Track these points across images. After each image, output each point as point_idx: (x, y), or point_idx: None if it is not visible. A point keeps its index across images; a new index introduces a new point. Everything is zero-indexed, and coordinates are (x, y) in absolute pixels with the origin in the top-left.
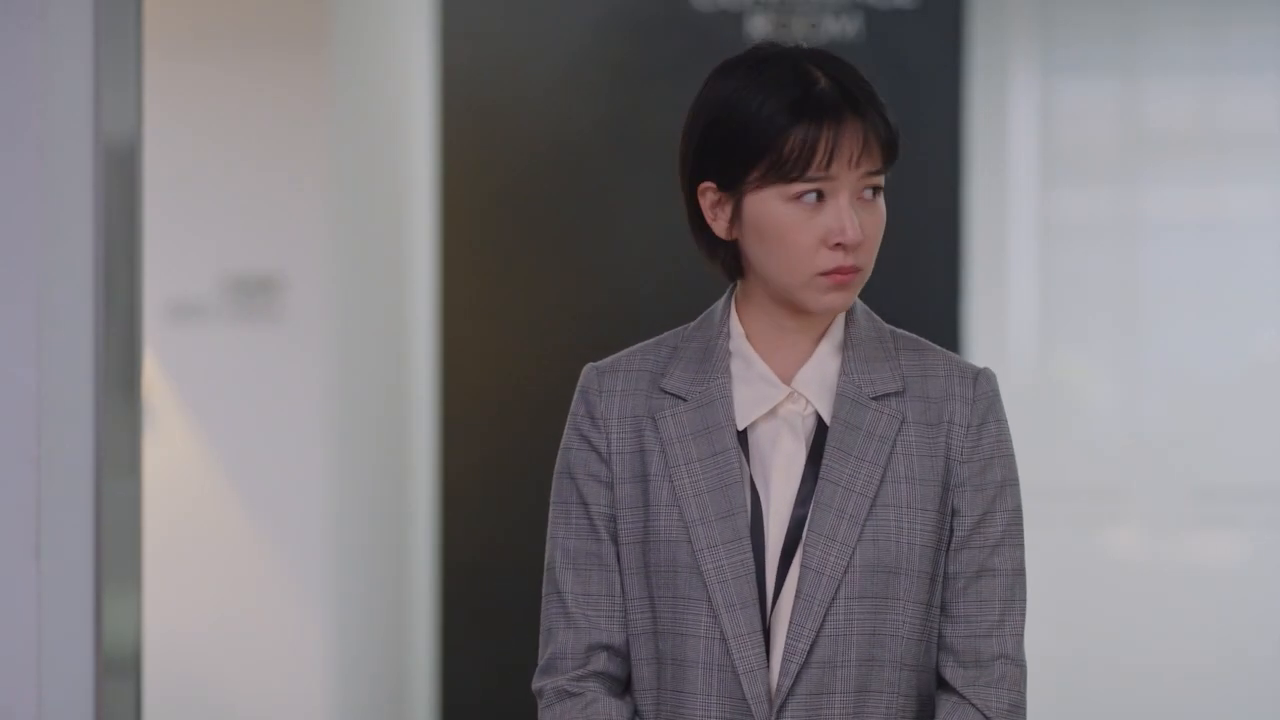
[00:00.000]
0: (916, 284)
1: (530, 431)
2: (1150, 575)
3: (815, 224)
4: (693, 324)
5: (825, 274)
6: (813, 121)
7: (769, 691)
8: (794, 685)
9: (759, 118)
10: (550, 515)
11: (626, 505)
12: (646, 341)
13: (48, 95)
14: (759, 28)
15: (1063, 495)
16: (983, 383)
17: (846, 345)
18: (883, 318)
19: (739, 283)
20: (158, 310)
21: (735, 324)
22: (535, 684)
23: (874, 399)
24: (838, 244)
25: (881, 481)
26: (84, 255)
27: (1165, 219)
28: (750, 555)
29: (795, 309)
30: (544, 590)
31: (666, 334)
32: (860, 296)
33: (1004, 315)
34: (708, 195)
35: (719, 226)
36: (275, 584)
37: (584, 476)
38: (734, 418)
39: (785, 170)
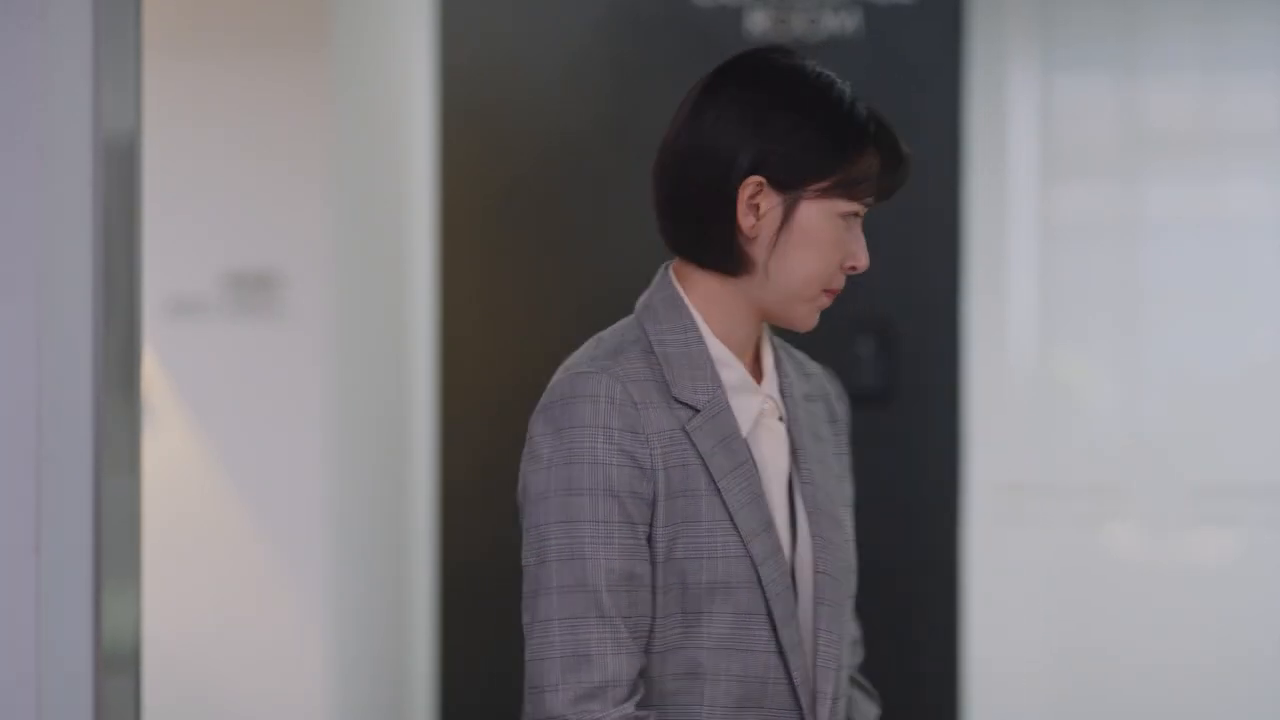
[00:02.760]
0: (916, 282)
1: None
2: (1150, 574)
3: (843, 244)
4: (643, 322)
5: (827, 292)
6: (885, 149)
7: (814, 699)
8: (834, 690)
9: (847, 131)
10: (579, 533)
11: (667, 522)
12: (611, 341)
13: (47, 93)
14: (759, 24)
15: (1062, 494)
16: (837, 380)
17: (772, 349)
18: (883, 315)
19: (683, 277)
20: (157, 307)
21: (703, 324)
22: (573, 710)
23: (805, 399)
24: (850, 267)
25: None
26: (83, 252)
27: (1165, 217)
28: (789, 566)
29: (769, 316)
30: (568, 611)
31: (622, 335)
32: (861, 292)
33: (1003, 313)
34: (751, 188)
35: (749, 221)
36: (274, 580)
37: (628, 494)
38: (738, 426)
39: (851, 188)
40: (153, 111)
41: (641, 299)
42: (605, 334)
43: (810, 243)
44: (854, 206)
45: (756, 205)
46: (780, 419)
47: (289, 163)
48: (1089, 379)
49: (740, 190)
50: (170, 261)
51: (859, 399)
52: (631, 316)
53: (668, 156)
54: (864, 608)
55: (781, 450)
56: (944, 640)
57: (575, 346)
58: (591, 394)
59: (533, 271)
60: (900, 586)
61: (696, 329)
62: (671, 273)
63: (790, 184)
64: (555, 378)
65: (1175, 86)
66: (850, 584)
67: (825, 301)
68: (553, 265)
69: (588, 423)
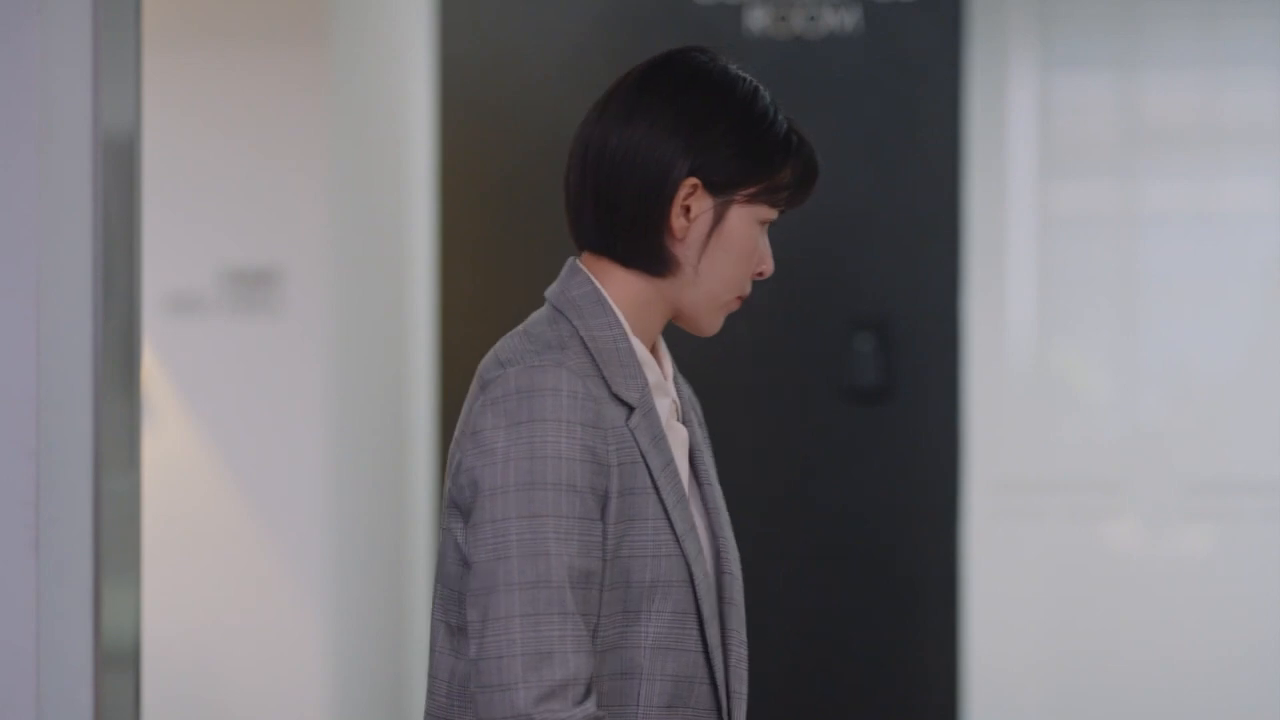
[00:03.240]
0: (916, 276)
1: None
2: (1146, 568)
3: (759, 250)
4: (570, 317)
5: (739, 297)
6: (807, 161)
7: (729, 699)
8: (745, 689)
9: (776, 139)
10: (542, 528)
11: (617, 519)
12: (548, 336)
13: (46, 88)
14: (758, 20)
15: (1060, 488)
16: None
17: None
18: (882, 310)
19: (600, 273)
20: (157, 303)
21: (624, 321)
22: (537, 709)
23: (689, 400)
24: (759, 273)
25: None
26: (83, 248)
27: (1164, 212)
28: (710, 566)
29: (680, 317)
30: (530, 607)
31: (555, 329)
32: (861, 289)
33: (1002, 308)
34: (686, 189)
35: (681, 223)
36: (274, 578)
37: (588, 490)
38: (662, 425)
39: (774, 195)
40: (152, 107)
41: (554, 292)
42: (530, 329)
43: (735, 247)
44: (772, 214)
45: (688, 207)
46: (681, 420)
47: (288, 158)
48: (1088, 374)
49: (677, 190)
50: (169, 258)
51: (858, 396)
52: (546, 310)
53: (597, 156)
54: (864, 604)
55: (684, 451)
56: (944, 636)
57: None
58: (553, 388)
59: (532, 267)
60: (900, 583)
61: (621, 326)
62: (584, 268)
63: (723, 188)
64: (496, 372)
65: (1173, 83)
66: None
67: (733, 306)
68: (552, 261)
69: (549, 416)
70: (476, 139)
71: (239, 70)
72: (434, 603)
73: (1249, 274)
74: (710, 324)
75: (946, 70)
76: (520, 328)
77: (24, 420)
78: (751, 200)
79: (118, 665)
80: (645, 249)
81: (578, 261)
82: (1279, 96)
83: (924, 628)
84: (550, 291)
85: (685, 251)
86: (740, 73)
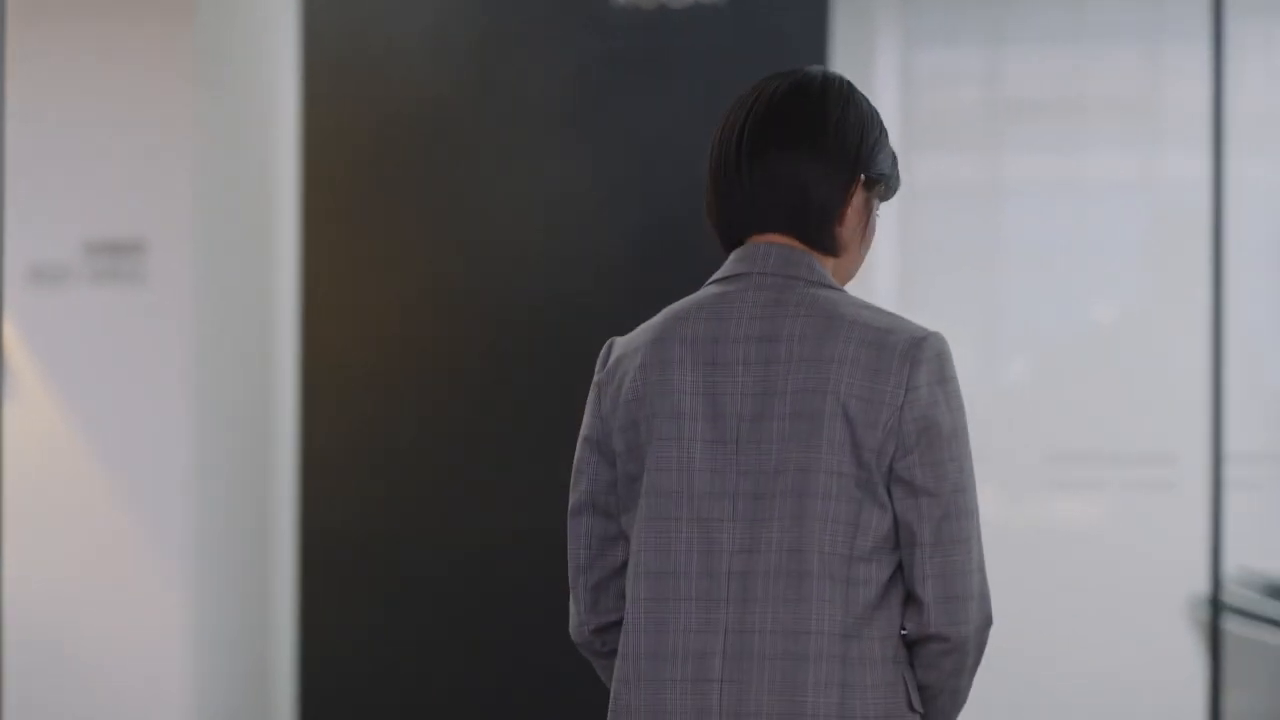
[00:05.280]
0: None
1: (391, 397)
2: (1007, 537)
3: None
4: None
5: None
6: (896, 164)
7: None
8: None
9: (889, 143)
10: (972, 468)
11: None
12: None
13: None
14: None
15: None
16: None
17: None
18: None
19: (820, 259)
20: (19, 274)
21: None
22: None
23: None
24: None
25: None
26: None
27: (1025, 184)
28: None
29: None
30: (978, 533)
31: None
32: (715, 261)
33: (866, 279)
34: (857, 185)
35: (850, 213)
36: (137, 546)
37: None
38: None
39: (888, 193)
40: (15, 79)
41: (796, 273)
42: (870, 303)
43: (870, 230)
44: (878, 206)
45: (855, 196)
46: None
47: (152, 129)
48: (950, 343)
49: (855, 183)
50: (32, 228)
51: None
52: (829, 290)
53: (787, 172)
54: None
55: None
56: None
57: (438, 311)
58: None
59: (395, 236)
60: None
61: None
62: (802, 251)
63: (871, 183)
64: (925, 333)
65: (1035, 57)
66: None
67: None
68: (416, 229)
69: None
70: (341, 107)
71: (103, 42)
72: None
73: (1110, 243)
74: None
75: (812, 43)
76: (869, 303)
77: None
78: (880, 195)
79: None
80: (830, 231)
81: (793, 248)
82: (1140, 70)
83: None
84: (805, 273)
85: (850, 234)
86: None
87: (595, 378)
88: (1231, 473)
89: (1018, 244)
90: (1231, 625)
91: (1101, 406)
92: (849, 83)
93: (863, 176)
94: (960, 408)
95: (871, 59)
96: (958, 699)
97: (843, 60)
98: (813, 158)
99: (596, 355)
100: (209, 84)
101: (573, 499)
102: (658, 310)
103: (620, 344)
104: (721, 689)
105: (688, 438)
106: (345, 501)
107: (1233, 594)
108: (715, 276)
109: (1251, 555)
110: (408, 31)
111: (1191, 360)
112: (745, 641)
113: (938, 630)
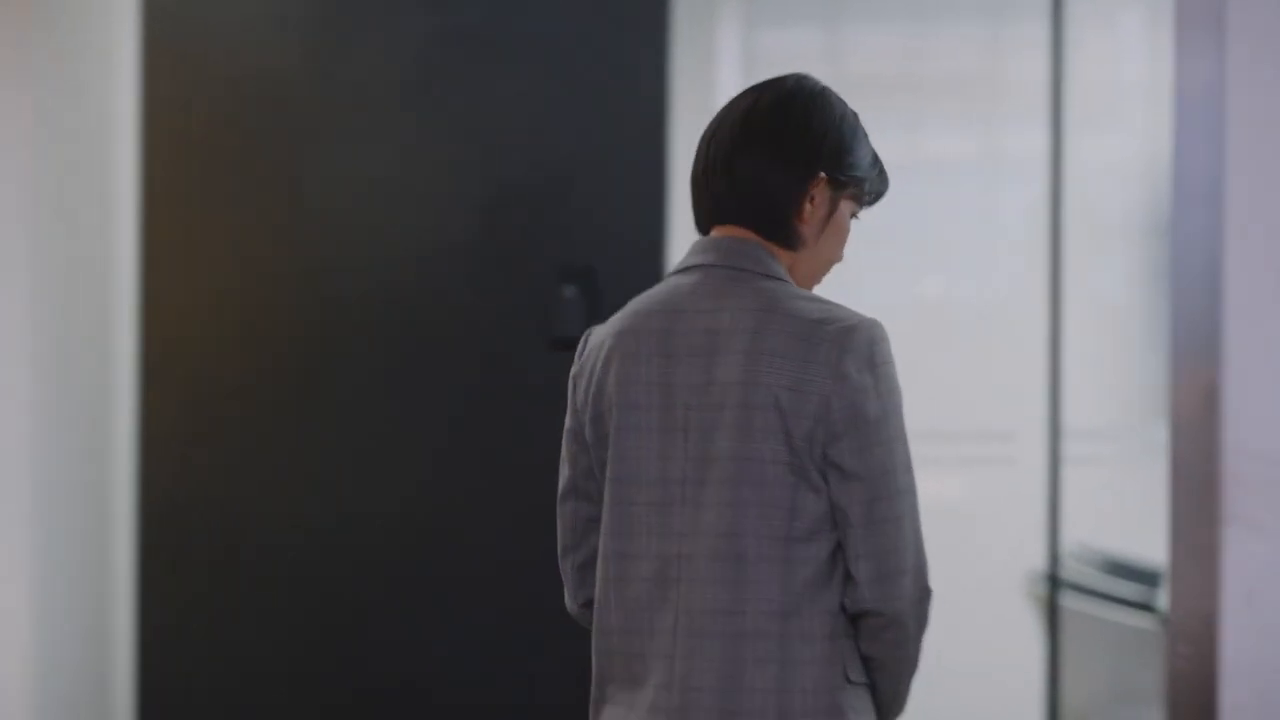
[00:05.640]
0: (621, 230)
1: (230, 372)
2: None
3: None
4: (787, 283)
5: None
6: (881, 173)
7: None
8: None
9: (870, 150)
10: (908, 451)
11: None
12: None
13: None
14: None
15: None
16: None
17: None
18: (587, 262)
19: (774, 251)
20: None
21: None
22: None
23: None
24: (838, 259)
25: None
26: None
27: None
28: None
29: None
30: (916, 509)
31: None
32: (566, 239)
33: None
34: (816, 183)
35: (809, 209)
36: None
37: None
38: None
39: (864, 194)
40: None
41: (744, 265)
42: (809, 293)
43: (840, 230)
44: (858, 209)
45: (816, 194)
46: None
47: None
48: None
49: (812, 181)
50: None
51: (562, 345)
52: (773, 282)
53: (747, 167)
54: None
55: None
56: None
57: (278, 288)
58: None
59: (235, 212)
60: None
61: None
62: (755, 244)
63: (838, 184)
64: (858, 321)
65: (876, 35)
66: None
67: (817, 283)
68: (255, 206)
69: (893, 357)
70: (180, 83)
71: None
72: None
73: (954, 222)
74: (814, 285)
75: (653, 23)
76: (804, 291)
77: None
78: (851, 196)
79: None
80: (788, 227)
81: (743, 240)
82: (980, 47)
83: None
84: (753, 265)
85: (811, 231)
86: (840, 98)
87: (571, 370)
88: (1070, 449)
89: (858, 222)
90: (1069, 601)
91: (941, 383)
92: (822, 88)
93: (824, 175)
94: (891, 392)
95: (712, 39)
96: (905, 667)
97: (684, 40)
98: (770, 154)
99: (437, 334)
100: (44, 56)
101: (559, 486)
102: (497, 292)
103: (594, 336)
104: (674, 664)
105: (644, 427)
106: (184, 483)
107: (1070, 570)
108: (675, 267)
109: (1089, 532)
110: (247, 9)
111: (1030, 337)
112: (693, 620)
113: (873, 606)
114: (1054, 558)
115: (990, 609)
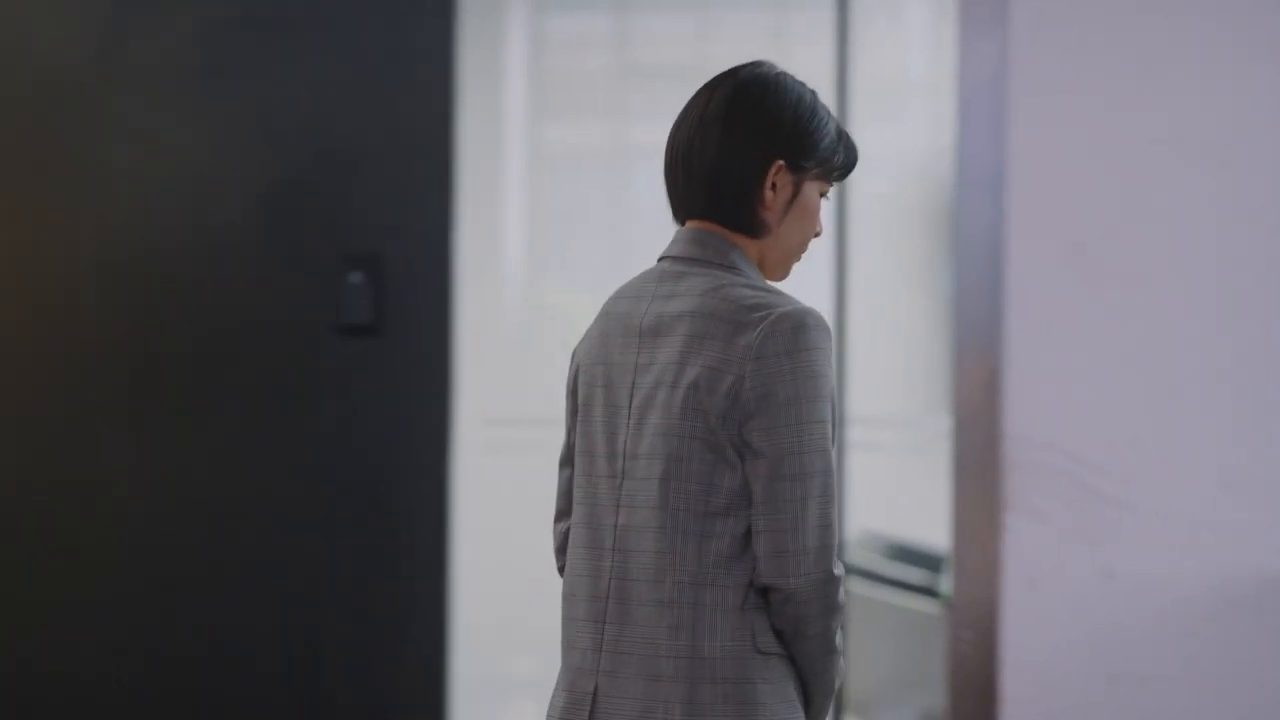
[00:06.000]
0: (406, 214)
1: (10, 368)
2: None
3: (819, 216)
4: (742, 273)
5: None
6: (849, 148)
7: None
8: None
9: (830, 129)
10: (828, 432)
11: None
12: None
13: None
14: None
15: (545, 423)
16: None
17: None
18: (372, 248)
19: (739, 242)
20: None
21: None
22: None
23: None
24: (816, 234)
25: None
26: None
27: (653, 149)
28: None
29: (766, 270)
30: (827, 493)
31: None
32: (352, 224)
33: (495, 244)
34: (774, 169)
35: (770, 195)
36: None
37: None
38: None
39: (831, 173)
40: None
41: (701, 255)
42: (758, 283)
43: (808, 213)
44: (828, 189)
45: (774, 184)
46: None
47: None
48: (580, 311)
49: (767, 169)
50: None
51: (349, 331)
52: (725, 272)
53: (702, 155)
54: (357, 536)
55: None
56: (434, 565)
57: (61, 279)
58: (826, 333)
59: (18, 202)
60: (392, 514)
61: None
62: (718, 236)
63: (798, 167)
64: (790, 309)
65: (662, 22)
66: None
67: (797, 261)
68: (34, 200)
69: (825, 346)
70: None
71: None
72: None
73: None
74: (786, 271)
75: (439, 8)
76: (754, 281)
77: None
78: (816, 176)
79: None
80: (749, 213)
81: (702, 229)
82: (766, 34)
83: (415, 558)
84: (710, 255)
85: (773, 216)
86: (799, 80)
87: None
88: (855, 436)
89: (646, 209)
90: (855, 586)
91: None
92: (777, 74)
93: (781, 162)
94: (810, 378)
95: (500, 23)
96: (816, 644)
97: (472, 25)
98: (725, 145)
99: (225, 322)
100: None
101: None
102: (285, 279)
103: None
104: (604, 629)
105: (602, 404)
106: None
107: (856, 556)
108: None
109: (875, 518)
110: None
111: None
112: (624, 588)
113: (769, 581)
114: (839, 543)
115: None
